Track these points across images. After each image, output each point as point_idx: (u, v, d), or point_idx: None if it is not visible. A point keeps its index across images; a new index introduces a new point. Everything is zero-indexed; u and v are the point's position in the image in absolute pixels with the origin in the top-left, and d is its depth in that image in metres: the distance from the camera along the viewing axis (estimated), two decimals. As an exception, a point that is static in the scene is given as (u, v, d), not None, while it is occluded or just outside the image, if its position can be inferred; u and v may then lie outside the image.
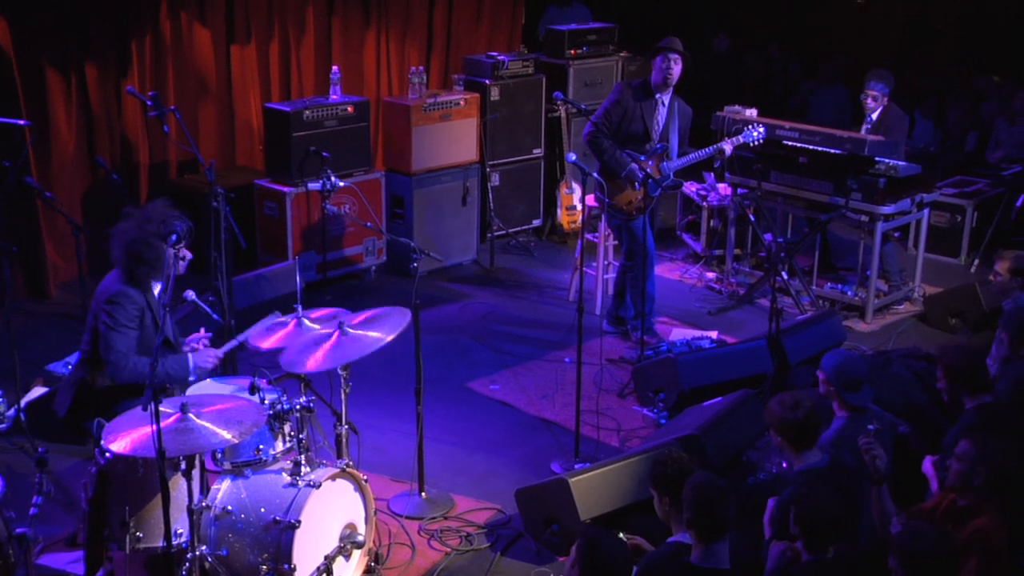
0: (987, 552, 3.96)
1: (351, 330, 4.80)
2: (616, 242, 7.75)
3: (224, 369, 5.44)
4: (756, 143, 7.48)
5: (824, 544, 3.91)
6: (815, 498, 3.93)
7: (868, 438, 4.26)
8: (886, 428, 4.98)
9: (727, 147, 7.25)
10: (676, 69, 6.97)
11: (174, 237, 4.61)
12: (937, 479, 4.70)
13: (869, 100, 8.27)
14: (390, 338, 4.79)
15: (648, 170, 6.93)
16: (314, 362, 4.70)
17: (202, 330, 5.19)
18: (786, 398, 4.55)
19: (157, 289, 5.06)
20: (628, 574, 3.77)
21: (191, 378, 4.98)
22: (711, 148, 7.21)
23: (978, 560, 3.93)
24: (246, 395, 4.58)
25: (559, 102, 8.81)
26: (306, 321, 5.06)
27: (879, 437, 4.75)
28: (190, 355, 5.00)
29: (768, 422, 4.59)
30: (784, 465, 4.70)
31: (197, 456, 4.32)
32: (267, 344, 4.96)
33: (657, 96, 7.05)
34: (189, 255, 4.93)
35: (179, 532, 4.35)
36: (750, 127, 7.45)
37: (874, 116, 8.29)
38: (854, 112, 11.39)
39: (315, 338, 4.86)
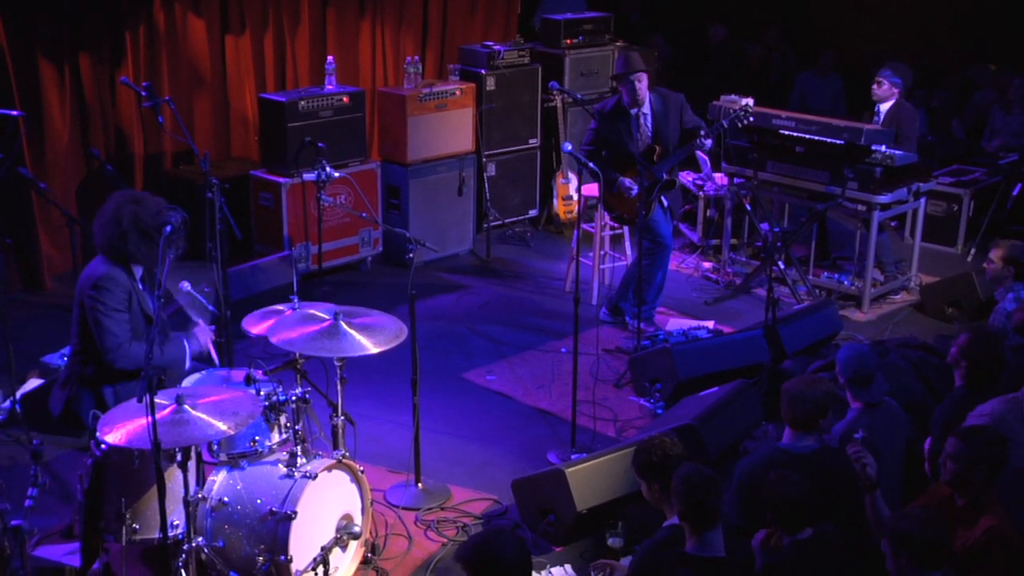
0: (1008, 549, 3.96)
1: (345, 324, 4.78)
2: (612, 232, 7.75)
3: (221, 361, 5.44)
4: (745, 121, 7.26)
5: (797, 525, 3.94)
6: (779, 482, 3.97)
7: (857, 447, 4.25)
8: (899, 424, 4.97)
9: (707, 143, 7.11)
10: (641, 87, 7.04)
11: (168, 229, 4.60)
12: (928, 461, 4.73)
13: (875, 86, 8.24)
14: (375, 350, 4.77)
15: (638, 180, 6.93)
16: (300, 341, 4.71)
17: (200, 323, 5.19)
18: (807, 376, 4.64)
19: (139, 274, 5.06)
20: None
21: (187, 365, 5.02)
22: (688, 145, 7.12)
23: (1001, 559, 3.94)
24: (242, 386, 4.57)
25: (555, 92, 8.80)
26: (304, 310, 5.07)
27: (890, 434, 4.76)
28: (185, 340, 5.02)
29: (782, 399, 4.58)
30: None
31: (193, 448, 4.32)
32: (258, 329, 4.96)
33: (633, 112, 7.09)
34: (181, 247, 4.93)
35: (175, 524, 4.34)
36: (736, 109, 7.29)
37: (883, 108, 8.26)
38: (849, 103, 11.41)
39: (308, 319, 4.86)
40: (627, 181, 7.05)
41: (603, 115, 7.18)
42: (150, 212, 4.90)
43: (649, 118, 7.14)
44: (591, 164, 6.22)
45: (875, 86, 8.25)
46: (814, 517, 3.99)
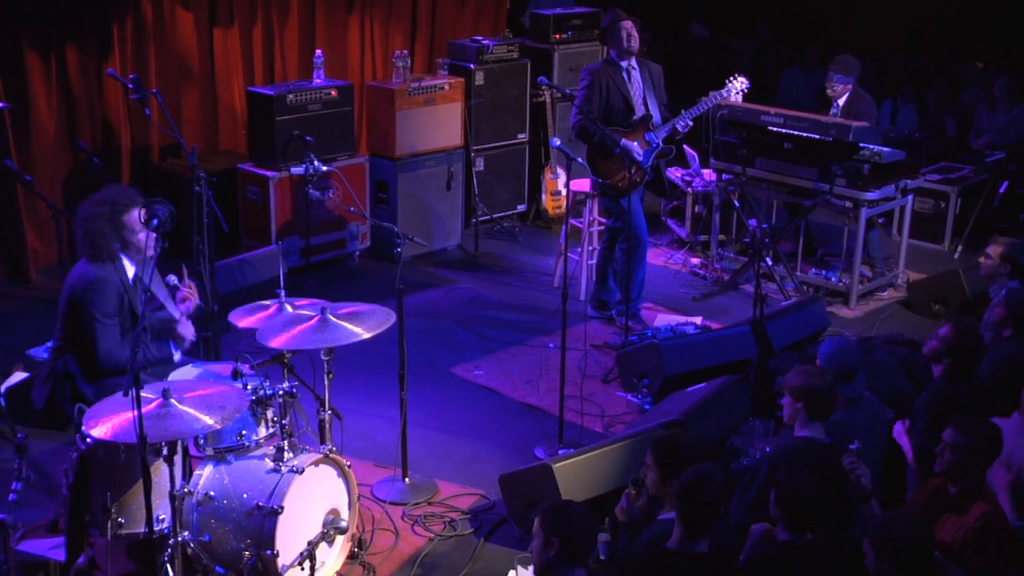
0: (1002, 532, 4.04)
1: (332, 317, 4.78)
2: (601, 228, 7.75)
3: (208, 354, 5.41)
4: (740, 92, 7.47)
5: (803, 526, 3.92)
6: (796, 480, 3.94)
7: (852, 458, 4.25)
8: (879, 419, 4.98)
9: (693, 115, 7.25)
10: (636, 34, 7.11)
11: (155, 221, 4.58)
12: (912, 447, 4.76)
13: (828, 91, 8.31)
14: (368, 335, 4.78)
15: (637, 143, 6.98)
16: (288, 339, 4.71)
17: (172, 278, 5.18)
18: (811, 367, 4.60)
19: (132, 271, 5.04)
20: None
21: (177, 358, 5.07)
22: (697, 107, 7.24)
23: (995, 543, 4.01)
24: (229, 381, 4.56)
25: (544, 87, 8.80)
26: (288, 307, 5.06)
27: (871, 429, 4.77)
28: (172, 344, 5.03)
29: (787, 387, 4.54)
30: (768, 450, 4.70)
31: (179, 442, 4.30)
32: (245, 323, 4.95)
33: (623, 65, 7.13)
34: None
35: (161, 518, 4.33)
36: (729, 81, 7.45)
37: (840, 102, 8.30)
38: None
39: (294, 318, 4.87)
40: (629, 143, 7.05)
41: (594, 70, 7.17)
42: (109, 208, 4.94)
43: (638, 73, 7.19)
44: (579, 159, 6.22)
45: (828, 91, 8.30)
46: (821, 520, 3.95)
